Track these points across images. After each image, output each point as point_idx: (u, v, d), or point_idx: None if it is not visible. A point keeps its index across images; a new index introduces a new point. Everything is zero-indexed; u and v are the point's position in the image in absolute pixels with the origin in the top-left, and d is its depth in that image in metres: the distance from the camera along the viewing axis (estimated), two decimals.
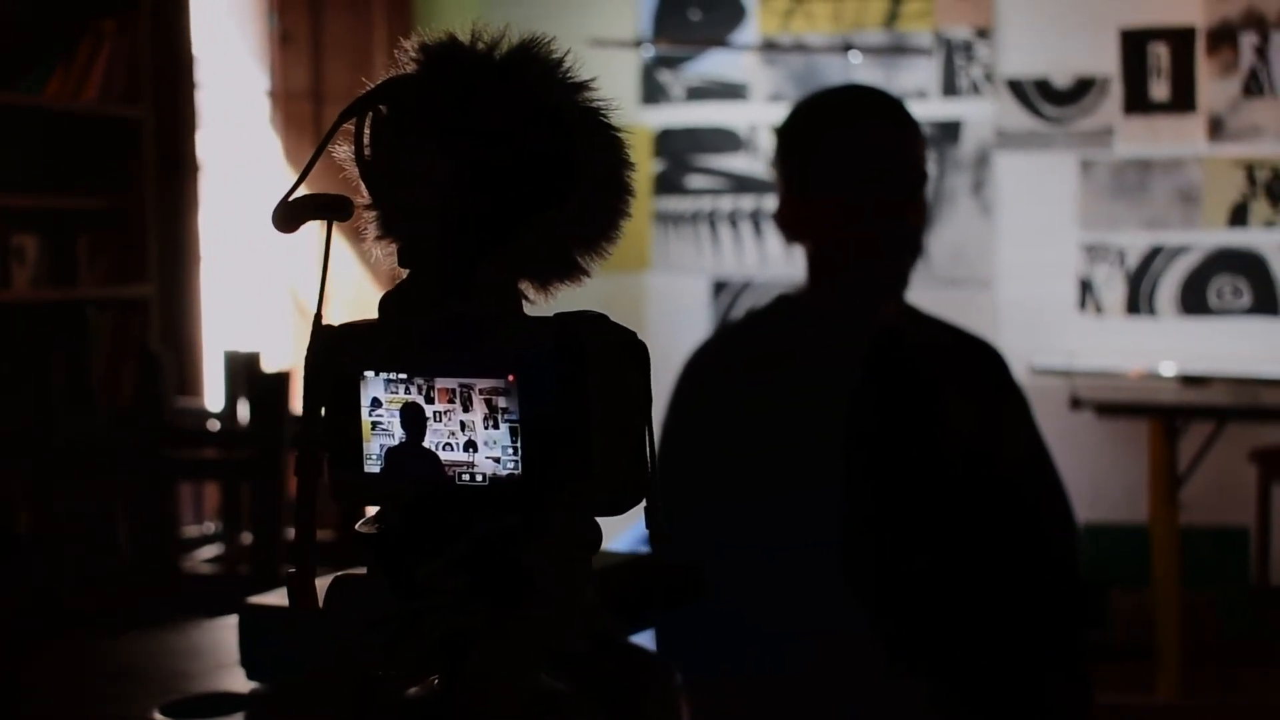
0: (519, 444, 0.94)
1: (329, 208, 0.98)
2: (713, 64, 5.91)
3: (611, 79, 5.96)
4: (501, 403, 0.94)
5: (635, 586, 1.27)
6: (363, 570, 0.99)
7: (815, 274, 2.35)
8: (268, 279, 5.39)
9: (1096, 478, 5.42)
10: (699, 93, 5.92)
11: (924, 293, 5.34)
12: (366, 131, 0.98)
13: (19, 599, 3.48)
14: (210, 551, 4.18)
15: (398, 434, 0.97)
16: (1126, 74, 5.52)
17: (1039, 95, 5.59)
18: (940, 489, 2.19)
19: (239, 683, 1.69)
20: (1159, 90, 5.52)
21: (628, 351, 0.96)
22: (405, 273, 0.99)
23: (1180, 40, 5.49)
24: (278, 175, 5.32)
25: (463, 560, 0.95)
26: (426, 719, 0.98)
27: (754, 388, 2.27)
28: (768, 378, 2.27)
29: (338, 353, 0.99)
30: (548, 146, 0.96)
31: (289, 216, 0.98)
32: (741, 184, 5.80)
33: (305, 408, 0.99)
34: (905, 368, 2.31)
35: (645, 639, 1.75)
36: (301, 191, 0.99)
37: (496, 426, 0.94)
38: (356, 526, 0.99)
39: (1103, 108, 5.54)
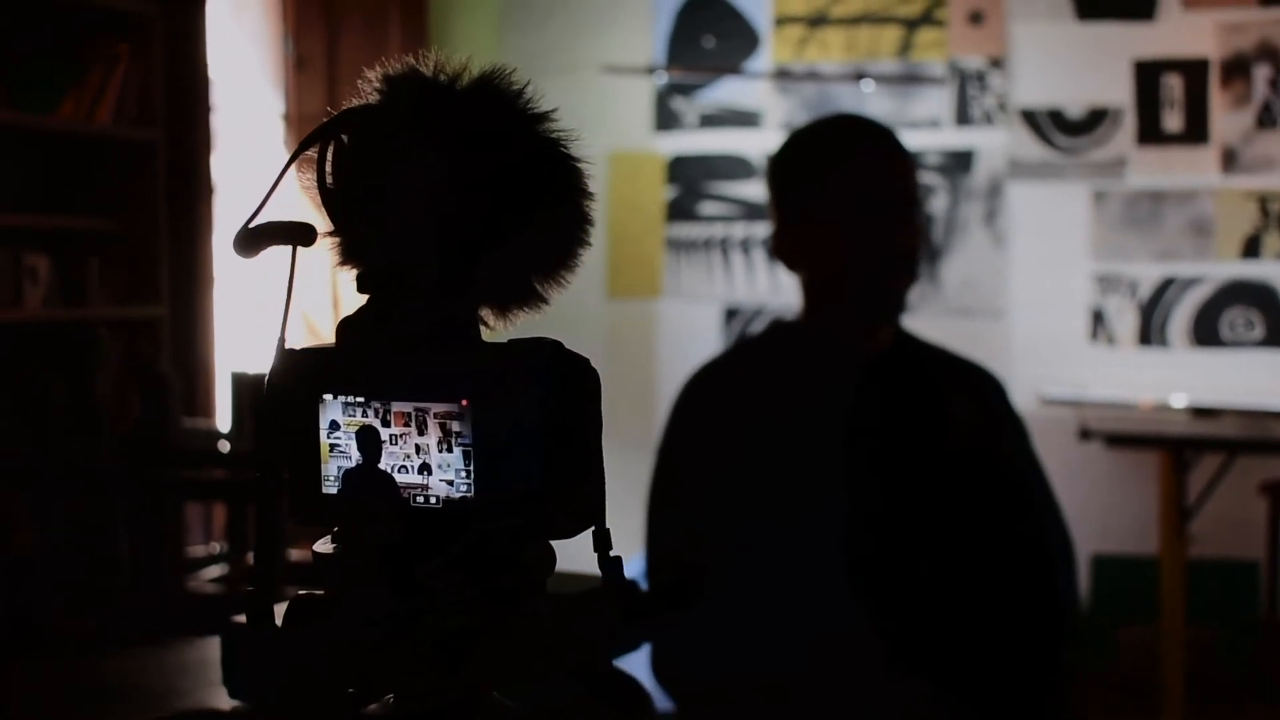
0: (472, 467, 0.96)
1: (291, 234, 1.00)
2: (726, 91, 5.93)
3: (625, 106, 6.00)
4: (456, 427, 0.96)
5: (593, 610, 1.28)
6: (320, 591, 1.01)
7: (809, 300, 2.38)
8: (279, 301, 5.40)
9: (1106, 509, 5.41)
10: (712, 120, 5.94)
11: (935, 322, 5.42)
12: (329, 159, 1.00)
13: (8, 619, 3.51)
14: (216, 571, 4.20)
15: (355, 456, 0.99)
16: (1140, 105, 5.53)
17: (1052, 125, 5.60)
18: (932, 510, 2.20)
19: (224, 700, 1.71)
20: (1172, 121, 5.52)
21: (581, 377, 0.98)
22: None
23: (1193, 72, 5.49)
24: (291, 198, 5.34)
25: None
26: None
27: (747, 411, 2.29)
28: (761, 402, 2.29)
29: (298, 376, 1.00)
30: (506, 176, 0.98)
31: (250, 242, 0.99)
32: (754, 211, 5.81)
33: (265, 429, 1.01)
34: (899, 392, 2.33)
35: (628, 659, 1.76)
36: (265, 218, 1.00)
37: (450, 450, 0.96)
38: (314, 547, 1.01)
39: (1115, 138, 5.55)
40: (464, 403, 0.95)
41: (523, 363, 0.97)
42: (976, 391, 2.47)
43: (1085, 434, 4.87)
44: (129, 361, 4.41)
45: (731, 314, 5.89)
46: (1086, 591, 5.38)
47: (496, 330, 1.03)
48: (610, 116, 6.03)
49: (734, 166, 5.90)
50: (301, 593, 1.02)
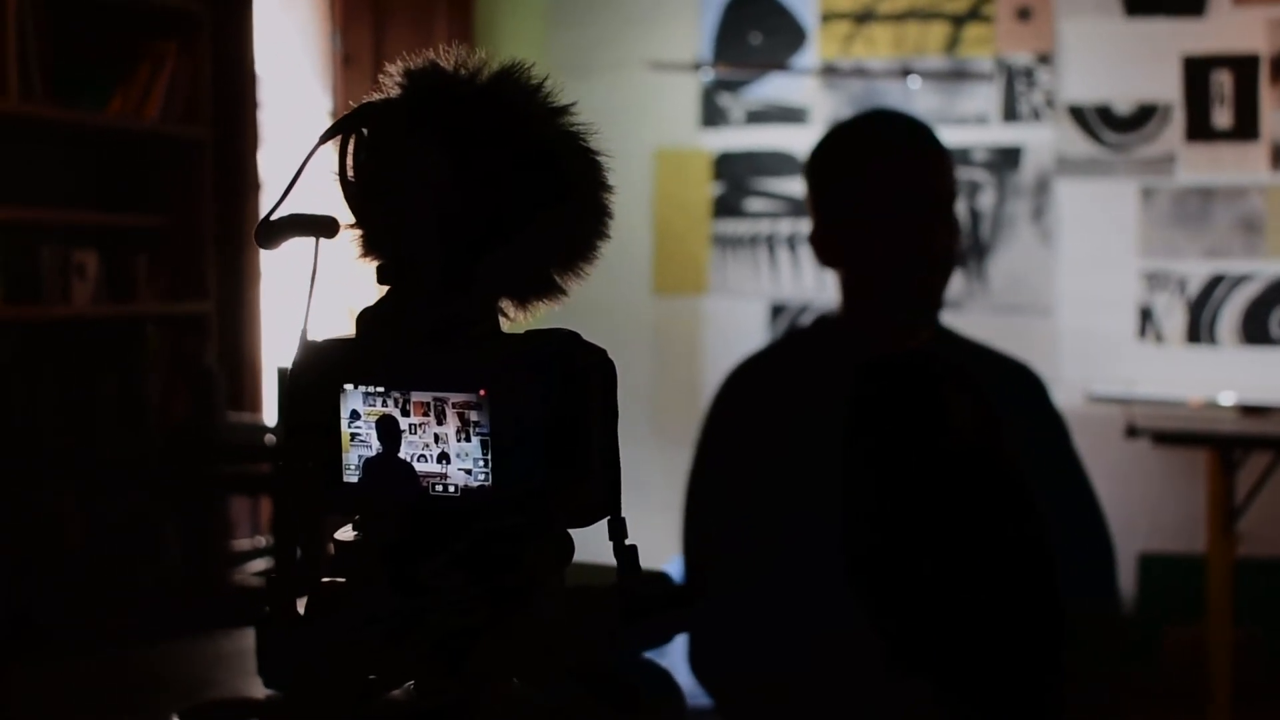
0: (489, 457, 0.97)
1: (314, 226, 1.01)
2: (773, 88, 5.92)
3: (671, 102, 6.00)
4: (474, 416, 0.97)
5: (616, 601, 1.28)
6: (342, 580, 1.02)
7: (847, 297, 2.38)
8: (326, 295, 5.43)
9: (1153, 508, 5.38)
10: (759, 116, 5.94)
11: (982, 319, 5.41)
12: (349, 153, 1.01)
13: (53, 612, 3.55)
14: (262, 565, 4.23)
15: (375, 446, 1.00)
16: (1189, 101, 5.49)
17: (1100, 122, 5.57)
18: (962, 506, 2.19)
19: (259, 690, 1.72)
20: (1221, 118, 5.48)
21: (597, 369, 0.98)
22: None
23: (1243, 68, 5.45)
24: (337, 195, 5.37)
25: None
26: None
27: (781, 407, 2.30)
28: (795, 398, 2.30)
29: (319, 366, 1.01)
30: (525, 169, 0.99)
31: (273, 234, 1.01)
32: (800, 208, 5.80)
33: (289, 419, 1.02)
34: (931, 389, 2.32)
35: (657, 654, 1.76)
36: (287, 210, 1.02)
37: (469, 439, 0.97)
38: (334, 535, 1.02)
39: (1164, 135, 5.52)
40: (481, 393, 0.96)
41: (540, 353, 0.97)
42: (1016, 389, 2.46)
43: (1132, 432, 4.85)
44: (176, 357, 4.44)
45: (777, 310, 5.89)
46: (1132, 591, 5.35)
47: (516, 321, 1.04)
48: (656, 113, 6.03)
49: (780, 163, 5.89)
50: (325, 580, 1.04)
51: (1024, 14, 5.63)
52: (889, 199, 2.29)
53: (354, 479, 1.01)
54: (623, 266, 6.10)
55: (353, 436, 1.01)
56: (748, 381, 2.38)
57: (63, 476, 3.91)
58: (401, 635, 0.98)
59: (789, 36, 5.89)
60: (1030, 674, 1.94)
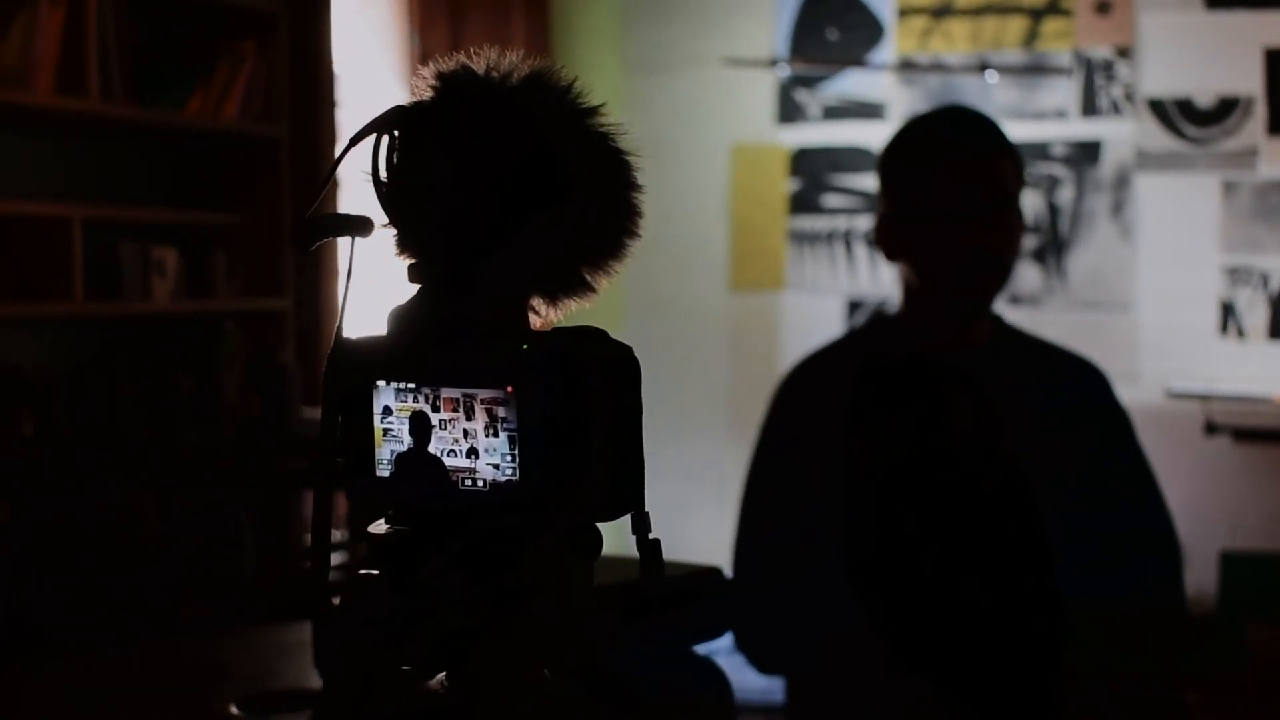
0: (517, 451, 0.98)
1: (349, 226, 1.03)
2: (850, 83, 5.91)
3: (748, 98, 6.00)
4: (501, 412, 0.98)
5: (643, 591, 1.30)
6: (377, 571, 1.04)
7: (907, 293, 2.39)
8: (402, 292, 5.49)
9: (1235, 505, 5.32)
10: (836, 112, 5.93)
11: (1061, 315, 5.38)
12: (382, 154, 1.04)
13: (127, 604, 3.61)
14: (335, 559, 4.28)
15: (407, 440, 1.02)
16: (1271, 94, 5.42)
17: (1181, 115, 5.51)
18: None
19: (317, 681, 1.75)
20: None
21: (622, 366, 1.00)
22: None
23: None
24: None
25: (463, 559, 0.99)
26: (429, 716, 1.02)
27: (838, 405, 2.30)
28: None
29: (354, 363, 1.04)
30: (552, 168, 1.01)
31: (308, 233, 1.03)
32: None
33: (324, 415, 1.05)
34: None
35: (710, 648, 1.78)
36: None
37: (497, 435, 0.99)
38: (368, 529, 1.04)
39: (1246, 128, 5.45)
40: (509, 389, 0.98)
41: (567, 350, 0.99)
42: (1079, 384, 2.45)
43: (1211, 428, 4.80)
44: (253, 353, 4.50)
45: (855, 306, 5.88)
46: (1214, 589, 5.30)
47: (547, 318, 1.06)
48: (733, 109, 6.04)
49: (857, 158, 5.88)
50: (361, 572, 1.06)
51: (1103, 7, 5.59)
52: (948, 194, 2.29)
53: (386, 473, 1.03)
54: (699, 263, 6.12)
55: (385, 432, 1.03)
56: (805, 379, 2.40)
57: (140, 470, 3.98)
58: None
59: (866, 32, 5.88)
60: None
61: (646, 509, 1.00)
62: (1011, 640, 1.97)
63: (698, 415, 6.06)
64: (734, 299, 6.08)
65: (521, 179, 1.00)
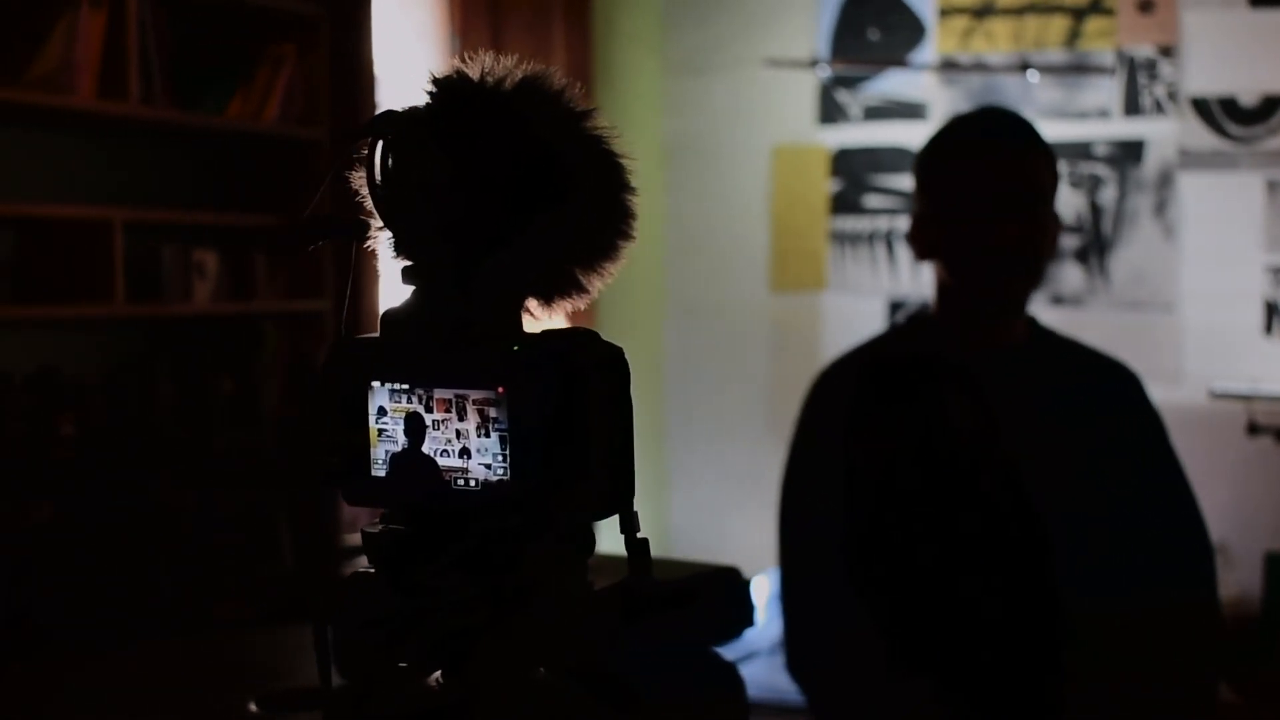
0: (508, 452, 0.99)
1: (342, 228, 1.05)
2: (891, 84, 5.90)
3: (789, 99, 6.00)
4: (493, 413, 1.00)
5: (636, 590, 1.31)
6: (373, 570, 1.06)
7: (940, 293, 2.40)
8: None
9: (1278, 506, 5.29)
10: (877, 112, 5.92)
11: (1104, 315, 5.35)
12: (377, 158, 1.05)
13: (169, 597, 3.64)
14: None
15: (401, 441, 1.04)
16: None
17: (1224, 114, 5.47)
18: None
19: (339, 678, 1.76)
20: None
21: (613, 367, 1.01)
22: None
23: None
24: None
25: (460, 559, 1.00)
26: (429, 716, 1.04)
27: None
28: None
29: (349, 364, 1.05)
30: (543, 172, 1.02)
31: (304, 236, 1.04)
32: None
33: (322, 416, 1.06)
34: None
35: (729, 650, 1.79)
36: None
37: (488, 435, 1.00)
38: (362, 528, 1.06)
39: None
40: (500, 390, 0.99)
41: (557, 352, 1.00)
42: (1111, 386, 2.45)
43: (1254, 429, 4.77)
44: (293, 354, 4.53)
45: (896, 307, 5.87)
46: (1258, 590, 5.26)
47: (541, 319, 1.07)
48: (774, 110, 6.04)
49: (899, 159, 5.87)
50: (357, 570, 1.07)
51: (1146, 6, 5.56)
52: (980, 193, 2.30)
53: (381, 473, 1.05)
54: (740, 264, 6.12)
55: (380, 432, 1.04)
56: (837, 380, 2.40)
57: (179, 470, 4.01)
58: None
59: (907, 32, 5.87)
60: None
61: (635, 509, 1.01)
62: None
63: (738, 416, 6.06)
64: (775, 300, 6.08)
65: (515, 182, 1.01)
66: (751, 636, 5.09)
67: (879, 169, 5.90)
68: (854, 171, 5.96)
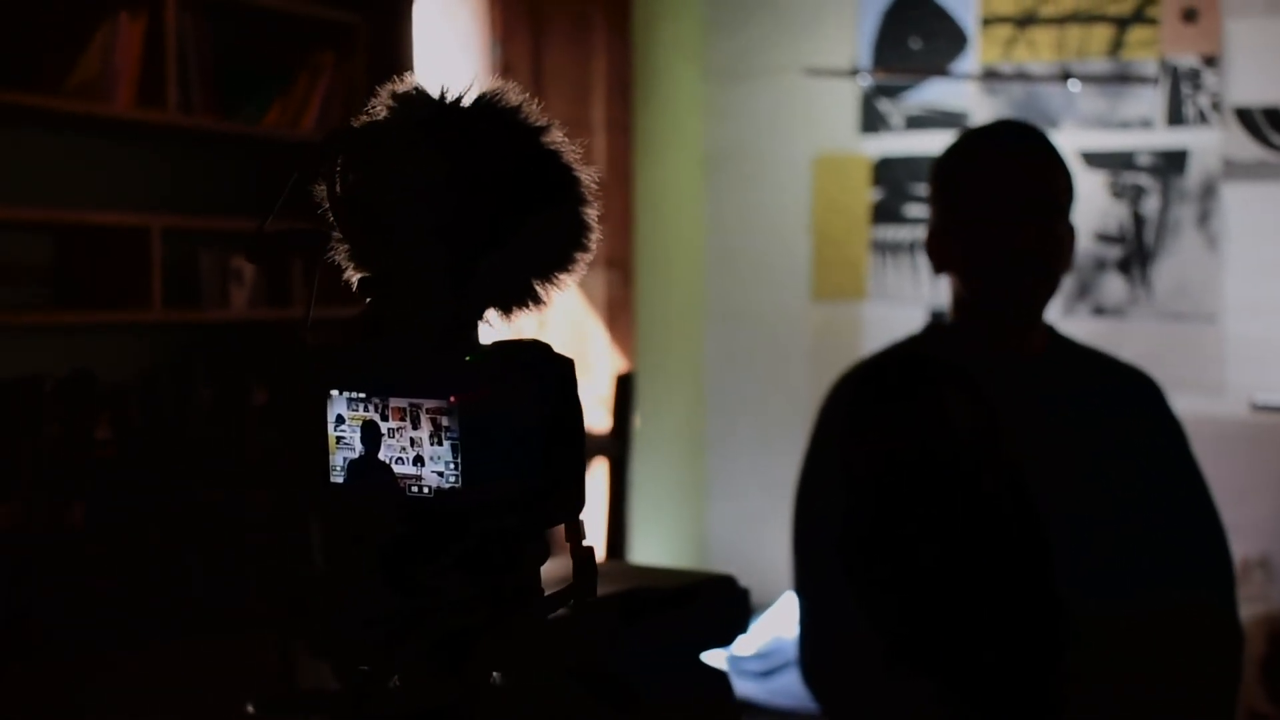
0: (459, 460, 1.01)
1: (301, 241, 1.07)
2: (933, 93, 5.90)
3: (830, 108, 6.01)
4: (445, 422, 1.01)
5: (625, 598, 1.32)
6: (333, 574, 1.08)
7: (956, 304, 2.41)
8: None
9: None
10: (919, 121, 5.91)
11: (1145, 326, 5.33)
12: (336, 171, 1.07)
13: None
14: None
15: (358, 448, 1.06)
16: None
17: (1268, 124, 5.44)
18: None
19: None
20: None
21: (563, 376, 1.02)
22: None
23: None
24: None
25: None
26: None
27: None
28: None
29: (310, 372, 1.07)
30: (505, 185, 1.03)
31: (263, 249, 1.07)
32: None
33: (287, 424, 1.08)
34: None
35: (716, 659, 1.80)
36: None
37: (441, 443, 1.02)
38: (323, 532, 1.07)
39: None
40: (451, 399, 1.01)
41: (509, 362, 1.02)
42: (1132, 394, 2.45)
43: None
44: None
45: (937, 317, 5.86)
46: None
47: (498, 329, 1.08)
48: (815, 119, 6.04)
49: None
50: (316, 574, 1.09)
51: (1190, 15, 5.53)
52: (994, 203, 2.32)
53: (340, 479, 1.07)
54: (782, 272, 6.12)
55: (338, 439, 1.06)
56: (844, 385, 2.41)
57: (212, 473, 4.05)
58: (401, 635, 1.03)
59: (949, 41, 5.86)
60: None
61: (581, 518, 1.02)
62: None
63: (779, 426, 6.06)
64: (816, 309, 6.08)
65: (472, 197, 1.03)
66: (785, 646, 5.09)
67: (920, 178, 5.90)
68: (895, 181, 5.96)
